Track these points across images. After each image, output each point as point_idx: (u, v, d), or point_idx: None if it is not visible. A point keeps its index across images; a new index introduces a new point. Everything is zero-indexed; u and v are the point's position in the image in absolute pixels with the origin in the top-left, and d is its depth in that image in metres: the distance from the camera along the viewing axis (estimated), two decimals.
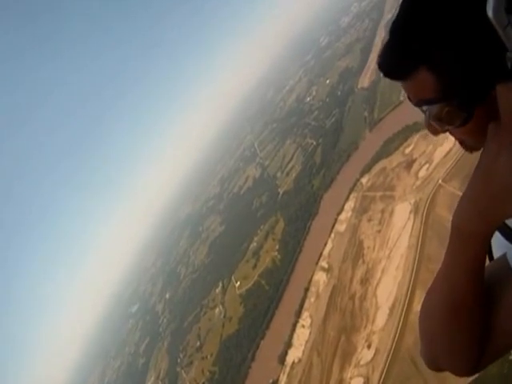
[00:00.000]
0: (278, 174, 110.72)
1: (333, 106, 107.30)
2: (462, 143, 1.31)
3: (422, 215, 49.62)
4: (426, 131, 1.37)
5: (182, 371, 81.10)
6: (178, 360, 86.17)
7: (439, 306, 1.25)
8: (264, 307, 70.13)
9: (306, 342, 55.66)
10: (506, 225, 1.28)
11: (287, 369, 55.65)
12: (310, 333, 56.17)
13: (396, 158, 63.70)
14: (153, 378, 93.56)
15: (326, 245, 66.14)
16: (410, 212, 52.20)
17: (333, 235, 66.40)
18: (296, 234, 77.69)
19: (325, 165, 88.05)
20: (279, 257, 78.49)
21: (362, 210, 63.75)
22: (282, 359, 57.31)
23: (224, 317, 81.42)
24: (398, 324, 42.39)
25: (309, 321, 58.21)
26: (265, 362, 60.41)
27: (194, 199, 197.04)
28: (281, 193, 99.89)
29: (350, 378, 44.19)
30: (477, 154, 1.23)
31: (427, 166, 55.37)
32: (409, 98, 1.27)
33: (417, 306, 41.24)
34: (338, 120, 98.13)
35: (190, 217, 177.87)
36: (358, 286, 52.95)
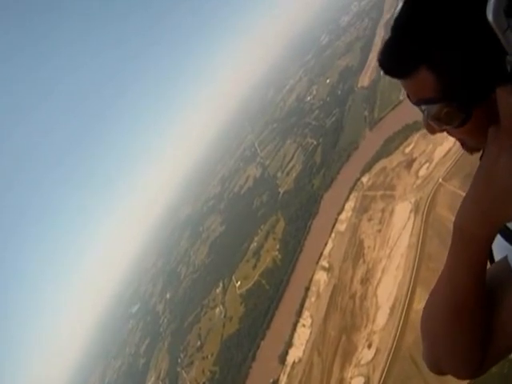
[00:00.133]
0: (279, 174, 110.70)
1: (333, 106, 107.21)
2: (463, 144, 1.31)
3: (423, 214, 49.53)
4: (426, 130, 1.38)
5: (183, 371, 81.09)
6: (179, 360, 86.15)
7: (441, 307, 1.25)
8: (264, 307, 70.08)
9: (307, 341, 55.60)
10: (507, 227, 1.30)
11: (288, 368, 55.59)
12: (311, 332, 56.10)
13: (396, 158, 63.60)
14: (153, 378, 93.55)
15: (326, 244, 66.06)
16: (411, 211, 52.11)
17: (333, 235, 66.32)
18: (296, 234, 77.63)
19: (325, 164, 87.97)
20: (280, 256, 78.43)
21: (362, 210, 63.67)
22: (282, 359, 57.24)
23: (224, 317, 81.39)
24: (399, 323, 42.31)
25: (309, 320, 58.14)
26: (265, 361, 60.35)
27: (194, 199, 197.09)
28: (281, 192, 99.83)
29: (351, 378, 44.11)
30: (477, 153, 1.26)
31: (427, 165, 55.27)
32: (408, 97, 1.28)
33: (417, 305, 41.25)
34: (338, 119, 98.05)
35: (190, 217, 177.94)
36: (358, 286, 52.88)
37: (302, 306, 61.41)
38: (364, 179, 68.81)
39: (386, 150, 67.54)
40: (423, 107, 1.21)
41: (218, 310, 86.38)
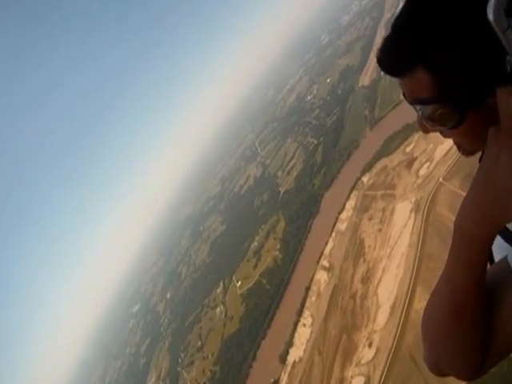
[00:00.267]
0: (279, 173, 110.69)
1: (333, 105, 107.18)
2: (459, 147, 1.31)
3: (423, 213, 49.44)
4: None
5: (183, 371, 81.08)
6: (179, 360, 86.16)
7: (441, 307, 1.25)
8: (265, 306, 70.06)
9: (307, 341, 55.56)
10: (506, 228, 1.29)
11: (288, 368, 55.56)
12: (311, 332, 56.06)
13: (397, 157, 63.52)
14: (154, 378, 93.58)
15: (327, 244, 66.02)
16: (411, 210, 52.04)
17: (334, 234, 66.28)
18: (297, 233, 77.61)
19: (326, 164, 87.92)
20: (280, 256, 78.40)
21: (362, 209, 63.61)
22: (283, 358, 57.22)
23: (225, 316, 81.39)
24: (399, 322, 42.25)
25: (310, 320, 58.11)
26: (266, 361, 60.34)
27: (194, 199, 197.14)
28: (282, 192, 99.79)
29: (351, 377, 44.07)
30: (478, 153, 1.25)
31: (428, 164, 55.20)
32: (404, 96, 1.28)
33: (417, 305, 41.22)
34: (338, 119, 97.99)
35: (191, 216, 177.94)
36: (358, 285, 52.82)
37: (302, 305, 61.37)
38: (364, 178, 68.74)
39: (386, 150, 67.45)
40: (418, 107, 1.21)
41: (218, 309, 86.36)
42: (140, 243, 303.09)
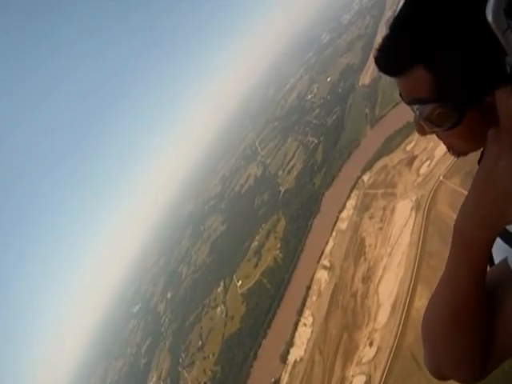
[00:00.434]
0: (280, 173, 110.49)
1: (334, 104, 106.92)
2: (449, 148, 1.30)
3: (424, 212, 49.27)
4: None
5: (184, 371, 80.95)
6: (180, 360, 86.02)
7: (442, 310, 1.24)
8: (266, 306, 69.92)
9: (308, 340, 55.43)
10: (506, 230, 1.28)
11: (289, 367, 55.44)
12: (312, 331, 55.93)
13: (397, 155, 63.35)
14: (154, 379, 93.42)
15: (327, 243, 65.87)
16: (412, 209, 51.87)
17: (334, 233, 66.12)
18: (297, 233, 77.44)
19: (326, 163, 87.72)
20: (281, 255, 78.26)
21: (363, 208, 63.44)
22: (283, 358, 57.07)
23: (226, 316, 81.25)
24: (400, 321, 42.10)
25: (311, 319, 57.98)
26: (267, 360, 60.21)
27: (195, 198, 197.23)
28: (282, 191, 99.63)
29: (352, 376, 43.93)
30: (478, 151, 1.23)
31: (428, 162, 55.03)
32: (400, 96, 1.27)
33: (418, 303, 41.08)
34: (339, 117, 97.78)
35: (191, 216, 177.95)
36: (359, 284, 52.68)
37: (303, 304, 61.22)
38: (365, 177, 68.58)
39: (387, 148, 67.28)
40: (416, 107, 1.20)
41: (219, 309, 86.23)
42: (140, 243, 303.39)
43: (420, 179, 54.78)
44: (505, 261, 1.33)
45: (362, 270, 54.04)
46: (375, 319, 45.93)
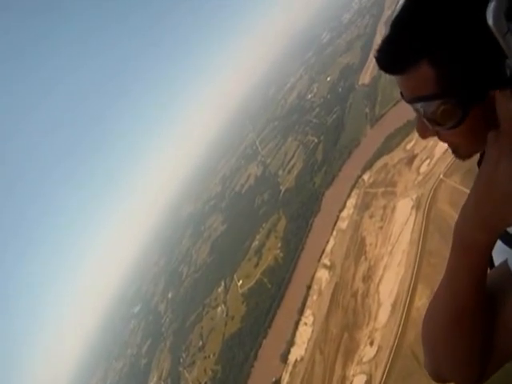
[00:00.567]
0: (280, 172, 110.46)
1: (334, 103, 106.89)
2: (454, 151, 1.28)
3: (424, 210, 49.18)
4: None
5: (185, 371, 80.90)
6: (181, 360, 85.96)
7: (442, 312, 1.24)
8: (266, 306, 69.83)
9: (309, 339, 55.34)
10: (506, 232, 1.28)
11: (290, 367, 55.37)
12: (313, 331, 55.85)
13: (397, 154, 63.29)
14: (155, 379, 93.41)
15: (328, 242, 65.79)
16: (412, 208, 51.80)
17: (335, 232, 66.05)
18: (298, 232, 77.37)
19: (326, 162, 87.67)
20: (281, 255, 78.18)
21: (363, 207, 63.36)
22: (284, 358, 56.98)
23: (226, 316, 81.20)
24: (400, 320, 42.01)
25: (311, 319, 57.90)
26: (267, 360, 60.14)
27: (195, 198, 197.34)
28: (282, 190, 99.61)
29: (353, 376, 43.84)
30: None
31: (428, 161, 54.96)
32: (401, 95, 1.24)
33: (418, 302, 40.99)
34: (339, 117, 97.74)
35: (191, 216, 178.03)
36: (360, 283, 52.59)
37: (303, 304, 61.13)
38: (365, 176, 68.51)
39: (387, 147, 67.21)
40: (419, 105, 1.17)
41: (219, 309, 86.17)
42: (141, 243, 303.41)
43: (420, 178, 54.71)
44: (505, 263, 1.33)
45: (362, 269, 53.96)
46: (376, 318, 45.85)
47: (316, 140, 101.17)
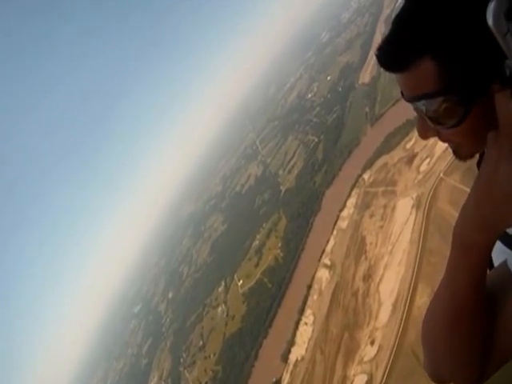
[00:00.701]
0: (280, 172, 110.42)
1: (334, 102, 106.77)
2: (456, 151, 1.27)
3: (424, 209, 49.10)
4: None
5: (185, 371, 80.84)
6: (181, 360, 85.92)
7: (441, 313, 1.24)
8: (267, 305, 69.78)
9: (309, 339, 55.27)
10: (506, 233, 1.28)
11: (290, 367, 55.31)
12: (313, 330, 55.78)
13: (397, 153, 63.21)
14: (156, 379, 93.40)
15: (328, 242, 65.72)
16: (412, 207, 51.71)
17: (335, 232, 65.97)
18: (298, 232, 77.28)
19: (327, 161, 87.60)
20: (282, 254, 78.09)
21: (364, 206, 63.29)
22: (285, 357, 56.93)
23: (227, 316, 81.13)
24: (401, 320, 41.93)
25: (312, 318, 57.82)
26: (268, 360, 60.07)
27: (196, 198, 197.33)
28: (283, 190, 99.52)
29: (354, 375, 43.77)
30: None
31: (428, 160, 54.87)
32: (402, 94, 1.23)
33: (419, 301, 40.90)
34: (339, 116, 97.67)
35: (192, 216, 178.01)
36: (360, 283, 52.52)
37: (304, 303, 61.08)
38: (365, 176, 68.44)
39: (387, 146, 67.15)
40: (421, 103, 1.16)
41: (220, 309, 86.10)
42: (141, 243, 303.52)
43: (420, 177, 54.62)
44: (504, 263, 1.32)
45: (362, 268, 53.88)
46: (376, 318, 45.77)
47: (316, 139, 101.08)
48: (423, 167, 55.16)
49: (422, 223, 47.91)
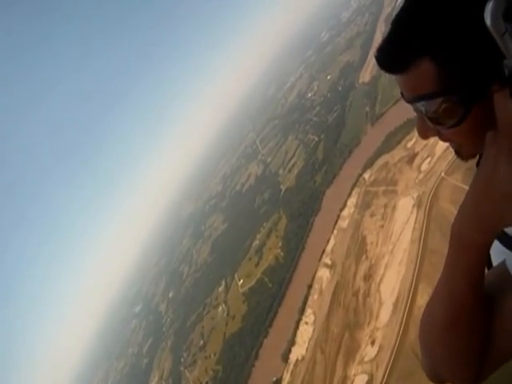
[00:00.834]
0: (280, 171, 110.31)
1: (334, 102, 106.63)
2: (457, 151, 1.26)
3: (425, 209, 48.96)
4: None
5: (186, 371, 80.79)
6: (182, 359, 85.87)
7: (439, 312, 1.23)
8: (267, 305, 69.69)
9: (310, 339, 55.17)
10: (504, 233, 1.27)
11: (291, 366, 55.22)
12: (314, 330, 55.68)
13: (398, 153, 63.09)
14: (156, 378, 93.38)
15: (328, 241, 65.64)
16: (413, 206, 51.58)
17: (335, 231, 65.87)
18: (299, 231, 77.18)
19: (327, 161, 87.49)
20: (282, 254, 77.99)
21: (364, 206, 63.18)
22: (285, 357, 56.84)
23: (227, 315, 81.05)
24: (402, 319, 41.83)
25: (312, 318, 57.72)
26: (268, 360, 59.98)
27: (196, 198, 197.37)
28: (283, 190, 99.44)
29: (354, 375, 43.67)
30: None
31: (429, 159, 54.73)
32: (402, 95, 1.23)
33: (420, 301, 40.79)
34: (339, 115, 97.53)
35: (192, 215, 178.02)
36: (361, 282, 52.42)
37: (304, 303, 60.99)
38: (366, 175, 68.31)
39: (387, 146, 67.02)
40: (421, 104, 1.15)
41: (220, 308, 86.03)
42: (142, 243, 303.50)
43: (421, 176, 54.47)
44: (503, 263, 1.32)
45: (363, 268, 53.77)
46: (377, 318, 45.66)
47: (316, 139, 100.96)
48: (424, 166, 55.00)
49: (423, 222, 47.78)
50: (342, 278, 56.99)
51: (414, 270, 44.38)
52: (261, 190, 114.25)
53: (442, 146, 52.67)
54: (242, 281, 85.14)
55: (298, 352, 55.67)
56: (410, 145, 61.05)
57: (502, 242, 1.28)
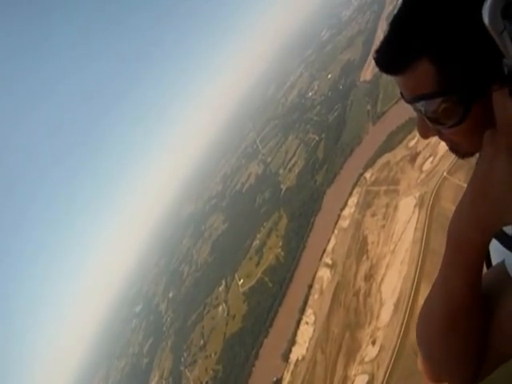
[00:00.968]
0: (281, 171, 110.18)
1: (335, 101, 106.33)
2: (456, 150, 1.27)
3: (427, 209, 48.68)
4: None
5: (186, 370, 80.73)
6: (182, 359, 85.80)
7: (436, 312, 1.22)
8: (267, 305, 69.53)
9: (310, 339, 55.00)
10: (503, 232, 1.25)
11: (291, 366, 55.11)
12: (314, 330, 55.53)
13: (400, 152, 62.78)
14: (157, 378, 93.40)
15: (329, 241, 65.47)
16: (415, 206, 51.30)
17: (336, 231, 65.67)
18: (299, 231, 76.97)
19: (328, 160, 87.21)
20: (282, 254, 77.82)
21: (365, 205, 62.94)
22: (285, 357, 56.71)
23: (227, 315, 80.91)
24: (403, 319, 41.61)
25: (312, 318, 57.56)
26: (268, 359, 59.84)
27: (196, 197, 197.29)
28: (283, 189, 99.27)
29: (355, 375, 43.51)
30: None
31: (431, 158, 54.42)
32: (401, 95, 1.23)
33: (422, 301, 39.99)
34: (340, 114, 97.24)
35: (192, 215, 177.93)
36: (362, 282, 52.22)
37: (305, 303, 60.86)
38: (367, 174, 68.06)
39: (389, 145, 66.71)
40: (420, 104, 1.15)
41: (220, 308, 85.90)
42: (142, 243, 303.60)
43: (423, 176, 54.18)
44: (502, 263, 1.30)
45: (364, 267, 53.56)
46: (378, 318, 45.46)
47: (317, 138, 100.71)
48: (426, 166, 54.70)
49: (425, 222, 47.51)
50: (343, 277, 56.80)
51: (416, 269, 44.13)
52: (261, 189, 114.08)
53: (444, 145, 49.83)
54: (242, 280, 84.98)
55: (298, 352, 55.53)
56: (411, 144, 60.72)
57: (500, 241, 1.26)
